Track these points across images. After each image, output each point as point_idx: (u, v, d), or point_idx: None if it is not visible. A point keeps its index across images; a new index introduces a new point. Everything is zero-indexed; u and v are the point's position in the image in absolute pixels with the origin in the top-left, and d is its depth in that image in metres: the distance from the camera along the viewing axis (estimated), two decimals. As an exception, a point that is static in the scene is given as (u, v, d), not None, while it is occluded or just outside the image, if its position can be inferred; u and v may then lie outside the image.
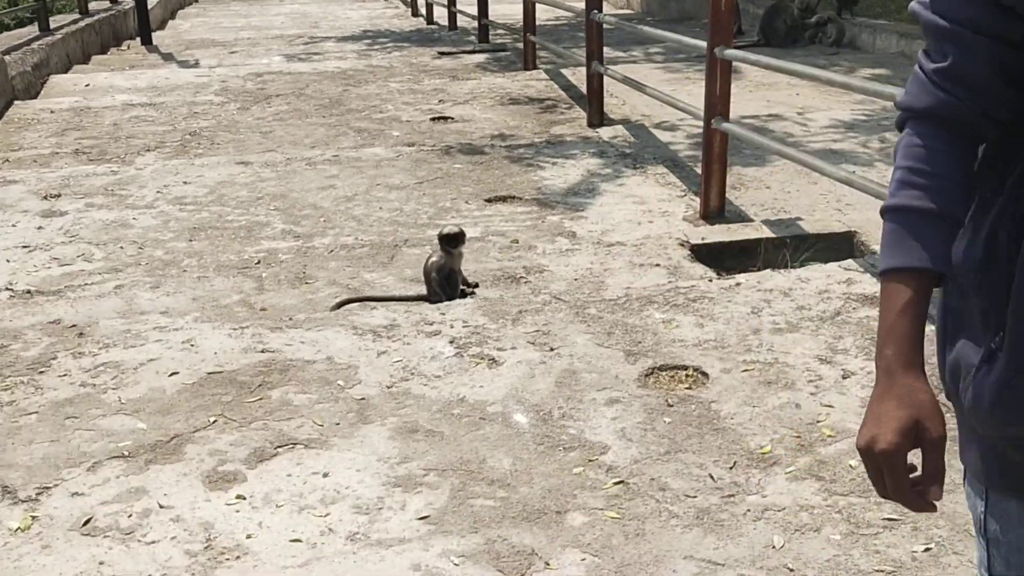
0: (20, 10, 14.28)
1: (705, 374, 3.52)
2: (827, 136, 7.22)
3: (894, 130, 6.62)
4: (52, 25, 12.16)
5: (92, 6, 14.84)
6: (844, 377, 3.45)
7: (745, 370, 3.52)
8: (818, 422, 3.19)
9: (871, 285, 4.21)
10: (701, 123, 5.58)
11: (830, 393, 3.35)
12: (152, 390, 3.47)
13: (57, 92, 9.66)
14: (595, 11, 7.80)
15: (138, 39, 14.31)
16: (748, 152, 6.66)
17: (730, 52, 5.34)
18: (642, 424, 3.19)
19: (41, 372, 3.63)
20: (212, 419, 3.27)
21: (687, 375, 3.52)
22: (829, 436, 3.10)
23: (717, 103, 5.47)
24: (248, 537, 2.66)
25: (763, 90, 8.99)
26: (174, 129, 7.94)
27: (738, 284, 4.30)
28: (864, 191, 4.29)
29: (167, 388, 3.49)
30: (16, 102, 8.93)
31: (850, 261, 4.52)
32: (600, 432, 3.15)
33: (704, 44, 5.49)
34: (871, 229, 5.02)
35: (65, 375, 3.60)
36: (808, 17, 11.63)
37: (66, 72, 11.09)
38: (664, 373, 3.54)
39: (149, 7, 14.77)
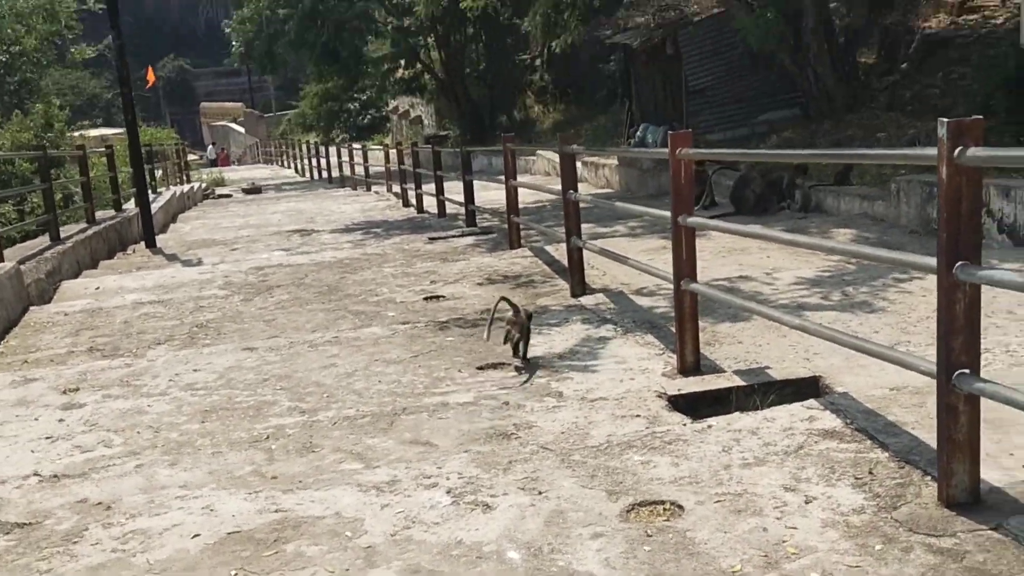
0: (27, 224, 15.06)
1: (681, 507, 3.85)
2: (794, 292, 7.71)
3: (855, 284, 7.11)
4: (62, 235, 12.84)
5: (99, 215, 15.62)
6: (807, 502, 3.79)
7: (717, 501, 3.86)
8: (784, 542, 3.51)
9: (831, 421, 4.59)
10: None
11: (794, 516, 3.69)
12: (177, 551, 3.80)
13: (69, 296, 10.20)
14: (571, 191, 8.43)
15: (143, 243, 15.03)
16: (722, 311, 7.12)
17: (692, 220, 5.86)
18: (624, 553, 3.51)
19: (74, 543, 3.96)
20: (233, 572, 3.58)
21: (664, 508, 3.86)
22: (793, 553, 3.43)
23: (685, 266, 5.96)
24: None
25: (735, 255, 9.55)
26: (182, 323, 8.42)
27: (710, 426, 4.67)
28: (828, 339, 4.67)
29: (191, 549, 3.81)
30: (32, 308, 9.45)
31: (812, 401, 4.91)
32: (586, 562, 3.47)
33: (669, 215, 6.02)
34: (834, 373, 5.41)
35: (97, 543, 3.93)
36: (777, 187, 12.33)
37: (76, 277, 11.68)
38: (643, 508, 3.88)
39: (152, 213, 15.55)
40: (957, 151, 3.36)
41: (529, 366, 6.15)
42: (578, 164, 21.91)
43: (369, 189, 25.28)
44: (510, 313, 6.35)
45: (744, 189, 12.19)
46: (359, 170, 27.11)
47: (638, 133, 19.57)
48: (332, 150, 33.00)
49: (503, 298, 6.67)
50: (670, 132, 6.09)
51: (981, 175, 3.46)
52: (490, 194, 16.39)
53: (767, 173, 12.18)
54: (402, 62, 33.95)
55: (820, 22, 15.94)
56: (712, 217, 11.97)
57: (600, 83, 28.98)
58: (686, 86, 17.72)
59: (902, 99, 15.87)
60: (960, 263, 3.41)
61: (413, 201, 18.50)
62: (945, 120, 3.46)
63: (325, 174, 33.02)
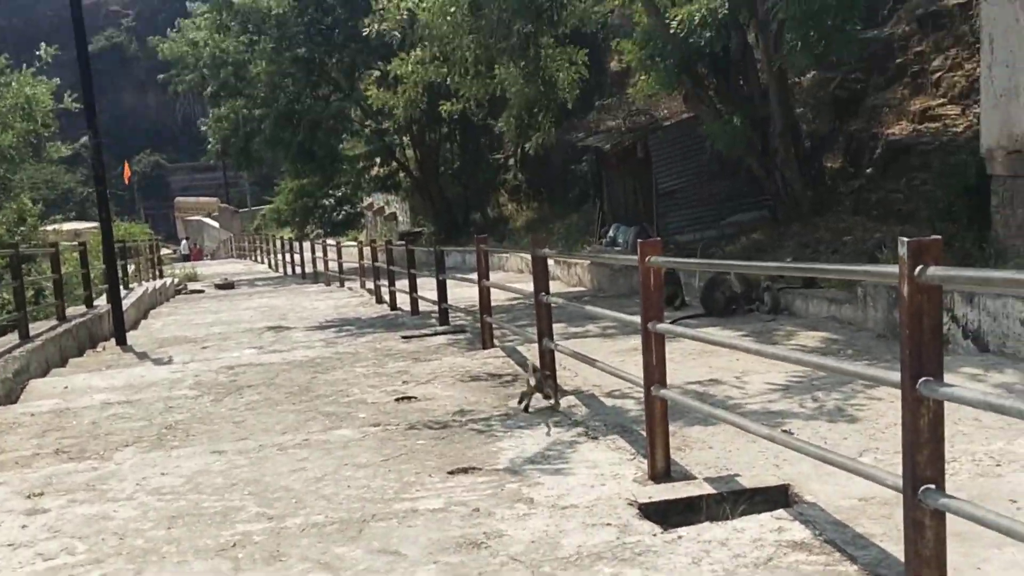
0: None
1: (651, 620, 3.83)
2: (764, 398, 7.76)
3: (824, 389, 7.17)
4: (32, 332, 12.76)
5: (69, 311, 15.55)
6: (777, 615, 3.78)
7: (687, 614, 3.85)
8: (754, 657, 3.50)
9: (800, 532, 4.59)
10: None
11: (764, 631, 3.68)
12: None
13: (37, 396, 10.11)
14: (543, 293, 8.51)
15: (114, 340, 14.94)
16: (692, 416, 7.15)
17: (661, 327, 5.93)
18: (593, 670, 3.48)
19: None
20: None
21: (634, 622, 3.84)
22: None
23: (655, 372, 6.01)
24: None
25: (706, 356, 9.62)
26: (150, 424, 8.35)
27: (680, 537, 4.67)
28: (796, 450, 4.70)
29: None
30: (-2, 407, 9.35)
31: (781, 511, 4.92)
32: None
33: (639, 320, 6.09)
34: (803, 481, 5.43)
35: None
36: (747, 290, 12.49)
37: (45, 375, 11.58)
38: (613, 622, 3.85)
39: (123, 309, 15.50)
40: (918, 270, 3.45)
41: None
42: (550, 262, 22.17)
43: (343, 285, 25.35)
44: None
45: (714, 291, 12.34)
46: (333, 266, 27.21)
47: (609, 233, 19.81)
48: (306, 245, 33.15)
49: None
50: (639, 240, 6.19)
51: (941, 293, 3.55)
52: (464, 291, 16.48)
53: (737, 275, 12.34)
54: (377, 160, 34.37)
55: (787, 128, 16.32)
56: (682, 319, 12.11)
57: (573, 183, 29.42)
58: (656, 188, 18.02)
59: (867, 203, 16.18)
60: (923, 379, 3.47)
61: (386, 298, 18.55)
62: (906, 239, 3.55)
63: (299, 270, 33.09)
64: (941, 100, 16.71)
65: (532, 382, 7.84)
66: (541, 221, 30.38)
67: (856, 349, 9.83)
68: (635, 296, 16.86)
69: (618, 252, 18.91)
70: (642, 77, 18.70)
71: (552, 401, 7.86)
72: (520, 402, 7.94)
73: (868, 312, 10.62)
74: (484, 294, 11.26)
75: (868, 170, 16.83)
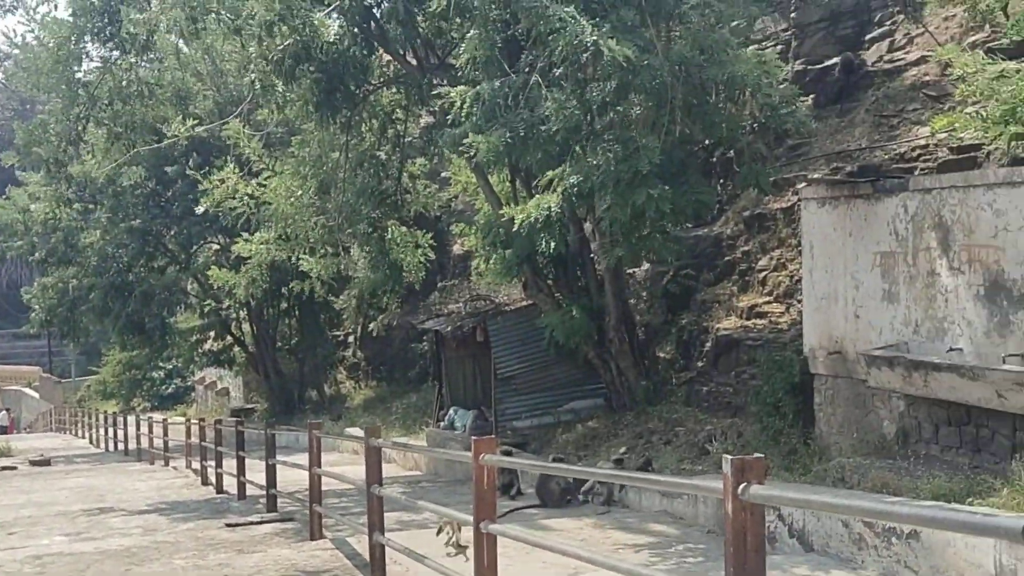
0: None
1: None
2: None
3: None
4: None
5: None
6: None
7: None
8: None
9: None
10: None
11: None
12: None
13: None
14: (375, 485, 8.30)
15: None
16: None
17: (493, 527, 5.84)
18: None
19: None
20: None
21: None
22: None
23: (487, 572, 5.88)
24: None
25: (540, 551, 9.46)
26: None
27: None
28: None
29: None
30: None
31: None
32: None
33: (471, 518, 5.98)
34: None
35: None
36: (582, 480, 12.52)
37: None
38: None
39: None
40: (741, 488, 3.49)
41: None
42: (388, 442, 21.83)
43: (167, 464, 24.25)
44: None
45: (548, 482, 12.30)
46: (158, 443, 26.09)
47: (447, 416, 19.71)
48: (131, 420, 31.75)
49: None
50: (473, 437, 6.16)
51: (764, 511, 3.59)
52: (294, 474, 15.96)
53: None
54: (212, 334, 33.64)
55: (621, 319, 16.77)
56: (517, 509, 11.99)
57: (413, 361, 29.35)
58: (495, 373, 18.12)
59: (699, 395, 16.61)
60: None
61: (213, 480, 17.80)
62: (730, 457, 3.61)
63: (122, 446, 31.55)
64: (767, 298, 17.50)
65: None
66: (380, 400, 30.06)
67: (688, 546, 9.87)
68: (469, 482, 16.69)
69: (457, 435, 18.79)
70: (483, 264, 19.08)
71: None
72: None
73: (698, 508, 10.74)
74: (315, 482, 10.92)
75: (700, 363, 17.34)
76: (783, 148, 18.16)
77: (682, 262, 18.79)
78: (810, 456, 12.21)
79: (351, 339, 33.84)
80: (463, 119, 11.82)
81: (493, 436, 6.60)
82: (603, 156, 11.19)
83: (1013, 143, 9.63)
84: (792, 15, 20.56)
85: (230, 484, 16.80)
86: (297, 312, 32.96)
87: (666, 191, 11.24)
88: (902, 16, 18.99)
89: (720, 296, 18.13)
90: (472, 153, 12.16)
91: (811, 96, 19.23)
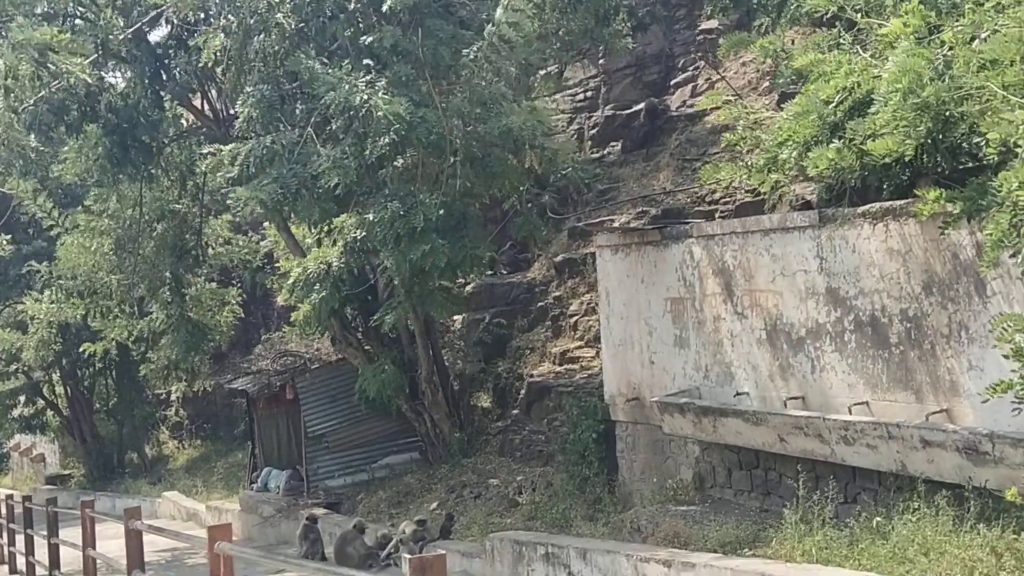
0: None
1: None
2: None
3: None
4: None
5: None
6: None
7: None
8: None
9: None
10: None
11: None
12: None
13: None
14: (135, 570, 7.73)
15: None
16: None
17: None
18: None
19: None
20: None
21: None
22: None
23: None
24: None
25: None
26: None
27: None
28: None
29: None
30: None
31: None
32: None
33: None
34: None
35: None
36: (384, 543, 12.12)
37: None
38: None
39: None
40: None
41: None
42: (201, 506, 20.95)
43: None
44: None
45: (347, 547, 11.87)
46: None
47: (261, 477, 19.05)
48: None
49: None
50: (209, 526, 5.73)
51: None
52: (107, 544, 15.01)
53: (370, 530, 11.99)
54: (22, 399, 31.86)
55: (432, 371, 16.50)
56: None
57: (237, 419, 28.41)
58: (305, 432, 17.59)
59: (513, 444, 16.44)
60: None
61: (6, 558, 16.60)
62: (408, 557, 3.33)
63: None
64: (579, 343, 17.51)
65: None
66: (204, 459, 29.00)
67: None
68: (284, 547, 16.10)
69: (270, 497, 18.13)
70: (296, 316, 18.66)
71: None
72: None
73: (496, 567, 10.49)
74: (89, 565, 10.21)
75: (514, 411, 17.19)
76: (591, 193, 18.31)
77: (496, 309, 18.70)
78: (614, 504, 12.14)
79: (173, 398, 32.55)
80: (235, 175, 11.46)
81: (229, 523, 6.16)
82: (382, 211, 10.96)
83: (776, 191, 9.81)
84: (601, 61, 20.84)
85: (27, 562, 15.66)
86: (113, 372, 31.48)
87: (441, 245, 11.09)
88: (703, 62, 19.49)
89: (534, 342, 18.06)
90: (239, 207, 11.86)
91: (620, 141, 19.55)
